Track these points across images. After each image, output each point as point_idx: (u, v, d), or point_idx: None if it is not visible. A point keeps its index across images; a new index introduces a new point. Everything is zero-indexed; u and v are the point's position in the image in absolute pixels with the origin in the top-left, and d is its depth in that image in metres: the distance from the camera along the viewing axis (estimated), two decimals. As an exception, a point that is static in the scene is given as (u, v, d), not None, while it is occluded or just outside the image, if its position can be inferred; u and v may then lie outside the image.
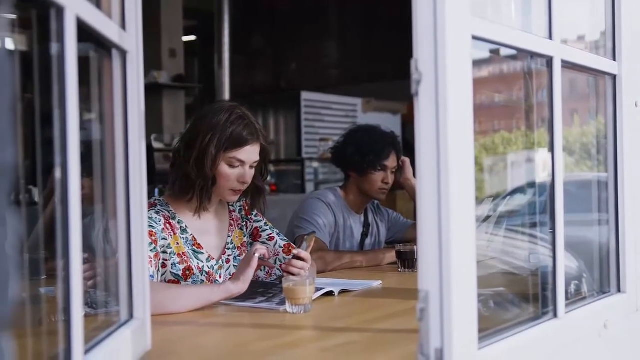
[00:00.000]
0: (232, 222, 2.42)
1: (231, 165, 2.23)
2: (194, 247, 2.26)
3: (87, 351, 1.11)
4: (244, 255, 2.32)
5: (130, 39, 1.37)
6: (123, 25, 1.36)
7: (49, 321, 1.38)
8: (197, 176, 2.21)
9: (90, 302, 1.41)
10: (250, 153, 2.25)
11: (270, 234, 2.45)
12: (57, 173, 1.02)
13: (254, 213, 2.48)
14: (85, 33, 1.13)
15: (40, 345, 1.18)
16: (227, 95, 8.37)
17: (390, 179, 3.06)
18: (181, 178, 2.24)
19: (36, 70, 1.10)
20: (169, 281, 2.19)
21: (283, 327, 1.80)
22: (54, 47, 1.02)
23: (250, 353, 1.56)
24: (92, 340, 1.19)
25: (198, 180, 2.21)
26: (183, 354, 1.60)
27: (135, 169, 1.39)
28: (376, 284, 2.39)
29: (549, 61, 1.55)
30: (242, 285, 1.99)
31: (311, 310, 1.91)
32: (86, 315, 1.11)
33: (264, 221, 2.49)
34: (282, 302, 1.94)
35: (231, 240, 2.39)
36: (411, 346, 1.46)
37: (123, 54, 1.36)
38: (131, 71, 1.38)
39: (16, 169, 0.63)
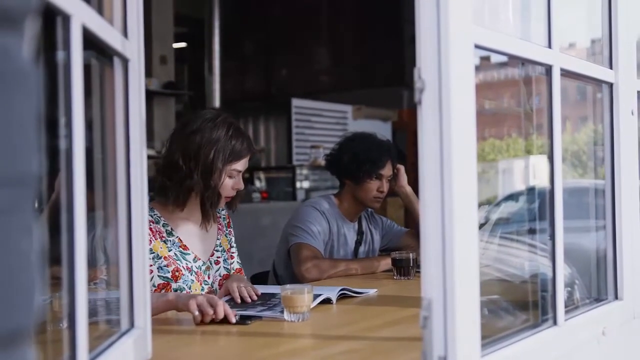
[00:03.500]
0: (219, 226, 2.49)
1: (230, 177, 2.32)
2: (180, 249, 2.31)
3: (90, 360, 1.11)
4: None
5: (132, 46, 1.37)
6: (125, 33, 1.36)
7: (48, 330, 1.37)
8: (203, 190, 2.27)
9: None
10: (246, 163, 2.36)
11: (233, 253, 2.54)
12: (63, 181, 1.02)
13: (232, 226, 2.56)
14: (88, 40, 1.12)
15: (42, 353, 1.18)
16: (217, 102, 8.36)
17: (386, 187, 3.06)
18: (184, 192, 2.28)
19: (41, 77, 1.09)
20: (159, 285, 2.22)
21: (282, 336, 1.80)
22: (60, 55, 1.02)
23: (251, 361, 1.56)
24: (95, 349, 1.19)
25: (206, 193, 2.27)
26: (183, 362, 1.59)
27: (137, 176, 1.39)
28: (372, 292, 2.39)
29: (549, 69, 1.56)
30: (177, 302, 1.94)
31: (309, 319, 1.90)
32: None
33: (234, 238, 2.57)
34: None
35: (220, 243, 2.46)
36: (412, 354, 1.46)
37: (125, 62, 1.35)
38: (133, 79, 1.38)
39: (41, 179, 0.63)
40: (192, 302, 1.85)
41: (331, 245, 3.05)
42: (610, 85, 1.86)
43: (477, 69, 1.51)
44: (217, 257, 2.43)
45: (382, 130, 7.62)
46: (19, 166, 0.59)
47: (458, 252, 1.19)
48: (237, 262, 2.54)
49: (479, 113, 1.27)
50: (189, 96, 8.60)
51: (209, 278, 2.36)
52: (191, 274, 2.29)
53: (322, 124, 8.30)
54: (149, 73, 7.23)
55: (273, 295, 2.22)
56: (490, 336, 1.37)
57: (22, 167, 0.59)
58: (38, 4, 0.64)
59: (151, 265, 2.21)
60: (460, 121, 1.21)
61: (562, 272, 1.57)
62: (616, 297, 1.87)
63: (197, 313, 1.84)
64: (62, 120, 1.03)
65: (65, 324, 1.09)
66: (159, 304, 1.95)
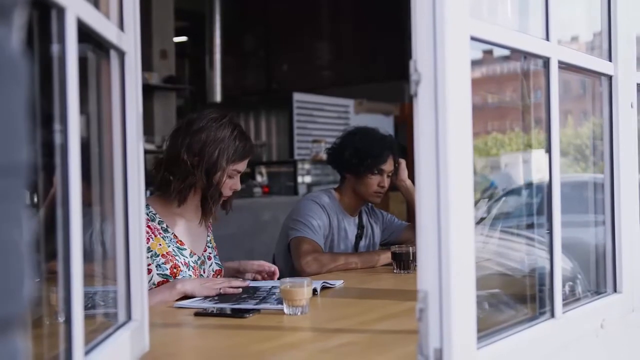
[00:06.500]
0: (209, 224, 2.53)
1: (230, 177, 2.36)
2: (177, 245, 2.34)
3: (86, 352, 1.11)
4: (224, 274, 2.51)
5: (128, 40, 1.37)
6: (121, 26, 1.36)
7: (45, 323, 1.37)
8: (206, 187, 2.32)
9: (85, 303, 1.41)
10: (245, 164, 2.41)
11: (211, 253, 2.54)
12: (58, 175, 1.02)
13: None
14: (84, 33, 1.12)
15: (39, 347, 1.18)
16: (218, 97, 8.37)
17: (387, 182, 3.05)
18: (187, 187, 2.31)
19: (35, 71, 1.09)
20: (158, 283, 2.25)
21: (281, 329, 1.80)
22: (54, 48, 1.02)
23: (249, 354, 1.56)
24: (91, 341, 1.19)
25: (208, 190, 2.32)
26: (180, 355, 1.60)
27: (134, 170, 1.39)
28: (338, 283, 2.40)
29: (546, 62, 1.56)
30: (191, 286, 2.16)
31: (308, 312, 1.90)
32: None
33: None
34: (281, 302, 1.94)
35: (209, 240, 2.51)
36: (409, 347, 1.46)
37: (121, 55, 1.35)
38: (129, 72, 1.38)
39: (31, 169, 0.63)
40: (211, 292, 2.14)
41: (331, 239, 3.05)
42: (610, 77, 1.86)
43: (480, 62, 1.51)
44: (209, 253, 2.48)
45: (384, 124, 7.63)
46: (8, 156, 0.59)
47: (454, 244, 1.19)
48: (217, 262, 2.53)
49: (481, 107, 1.27)
50: (189, 91, 8.60)
51: (204, 272, 2.41)
52: (188, 269, 2.33)
53: (323, 118, 8.29)
54: (149, 67, 7.24)
55: (257, 288, 2.24)
56: (488, 328, 1.37)
57: (12, 157, 0.59)
58: None
59: (150, 265, 2.23)
60: (456, 113, 1.21)
61: (560, 264, 1.57)
62: (615, 290, 1.87)
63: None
64: (58, 115, 1.03)
65: (63, 318, 1.09)
66: (171, 296, 2.12)
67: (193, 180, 2.30)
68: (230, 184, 2.37)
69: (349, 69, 9.52)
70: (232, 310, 1.95)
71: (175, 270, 2.28)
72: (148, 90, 7.11)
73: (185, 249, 2.36)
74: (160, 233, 2.31)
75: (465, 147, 1.23)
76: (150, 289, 2.20)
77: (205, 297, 2.13)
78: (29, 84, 0.63)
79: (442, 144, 1.19)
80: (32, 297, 0.62)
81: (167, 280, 2.25)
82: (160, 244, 2.29)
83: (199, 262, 2.39)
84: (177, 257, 2.31)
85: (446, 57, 1.19)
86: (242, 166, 2.38)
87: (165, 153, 2.40)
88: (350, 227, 3.13)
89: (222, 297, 2.14)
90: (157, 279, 2.25)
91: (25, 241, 0.61)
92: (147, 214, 2.30)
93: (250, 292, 2.19)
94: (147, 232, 2.26)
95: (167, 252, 2.29)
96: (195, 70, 9.59)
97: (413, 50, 1.22)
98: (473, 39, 1.28)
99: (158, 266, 2.26)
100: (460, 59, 1.23)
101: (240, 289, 2.19)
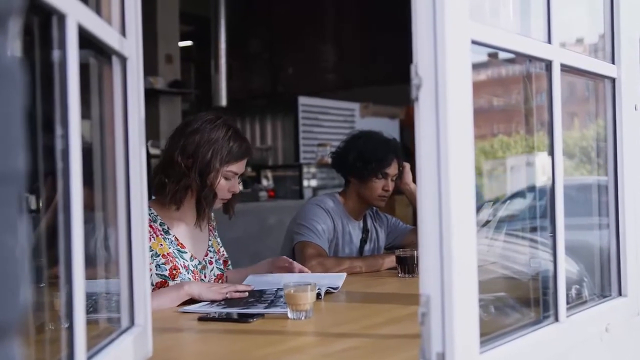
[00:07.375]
0: (210, 228, 2.53)
1: (226, 178, 2.35)
2: (178, 247, 2.35)
3: (89, 358, 1.11)
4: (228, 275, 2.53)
5: (130, 45, 1.37)
6: (123, 32, 1.36)
7: (50, 328, 1.38)
8: (200, 189, 2.31)
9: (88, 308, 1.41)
10: (243, 166, 2.40)
11: (223, 254, 2.55)
12: (59, 180, 1.02)
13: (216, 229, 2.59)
14: (85, 39, 1.13)
15: (42, 352, 1.18)
16: (223, 101, 8.37)
17: (391, 186, 3.05)
18: (182, 189, 2.31)
19: (37, 77, 1.10)
20: (157, 283, 2.25)
21: (284, 333, 1.80)
22: (56, 54, 1.02)
23: (252, 359, 1.56)
24: (94, 347, 1.19)
25: (202, 192, 2.31)
26: (184, 360, 1.60)
27: (136, 175, 1.39)
28: (340, 281, 2.40)
29: (548, 65, 1.55)
30: (198, 289, 2.15)
31: (312, 316, 1.90)
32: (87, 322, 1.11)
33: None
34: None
35: (211, 244, 2.50)
36: (413, 351, 1.46)
37: (123, 60, 1.36)
38: (131, 77, 1.38)
39: (27, 175, 0.64)
40: (218, 296, 2.14)
41: (336, 243, 3.05)
42: (613, 80, 1.85)
43: (485, 65, 1.50)
44: (210, 258, 2.47)
45: (390, 127, 7.63)
46: (4, 163, 0.59)
47: (456, 247, 1.19)
48: (218, 267, 2.53)
49: (487, 109, 1.26)
50: (195, 95, 8.60)
51: (204, 277, 2.41)
52: (188, 272, 2.33)
53: (329, 122, 8.29)
54: (154, 72, 7.24)
55: (263, 292, 2.24)
56: (491, 333, 1.36)
57: (8, 163, 0.59)
58: (21, 4, 0.65)
59: (150, 264, 2.23)
60: (457, 117, 1.20)
61: (564, 268, 1.56)
62: (620, 294, 1.86)
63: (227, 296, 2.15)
64: (59, 121, 1.04)
65: (67, 323, 1.09)
66: (179, 297, 2.12)
67: (187, 182, 2.30)
68: (228, 186, 2.36)
69: (354, 72, 9.51)
70: (238, 315, 1.95)
71: (174, 272, 2.28)
72: (153, 95, 7.12)
73: (186, 252, 2.36)
74: (161, 234, 2.32)
75: (466, 151, 1.23)
76: (153, 290, 2.21)
77: (212, 302, 2.13)
78: (27, 91, 0.64)
79: (444, 148, 1.19)
80: (30, 304, 0.63)
81: (165, 281, 2.25)
82: (161, 244, 2.30)
83: (199, 266, 2.39)
84: (177, 259, 2.31)
85: (447, 61, 1.19)
86: (237, 167, 2.36)
87: (161, 156, 2.42)
88: (354, 231, 3.13)
89: (229, 301, 2.13)
90: (155, 279, 2.25)
91: (21, 247, 0.61)
92: (150, 215, 2.31)
93: (256, 296, 2.19)
94: (149, 232, 2.26)
95: (167, 253, 2.29)
96: (200, 74, 9.59)
97: (414, 54, 1.22)
98: (474, 42, 1.28)
99: (158, 266, 2.26)
100: (461, 62, 1.23)
101: (247, 293, 2.20)
